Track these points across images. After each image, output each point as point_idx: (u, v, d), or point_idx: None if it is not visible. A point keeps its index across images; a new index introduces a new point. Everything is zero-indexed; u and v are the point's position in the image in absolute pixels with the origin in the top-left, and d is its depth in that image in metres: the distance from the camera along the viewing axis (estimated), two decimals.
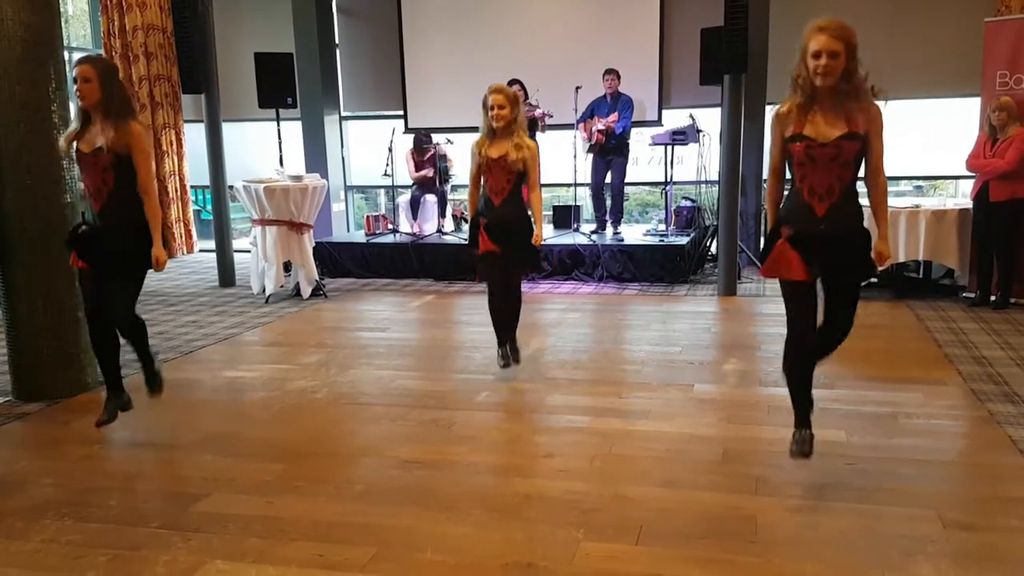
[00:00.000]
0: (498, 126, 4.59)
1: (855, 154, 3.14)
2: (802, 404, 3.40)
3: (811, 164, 3.14)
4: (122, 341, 4.08)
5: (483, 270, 4.94)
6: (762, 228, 8.91)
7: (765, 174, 9.06)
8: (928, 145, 8.68)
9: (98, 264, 3.96)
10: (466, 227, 9.28)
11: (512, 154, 4.58)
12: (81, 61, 3.86)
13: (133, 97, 3.96)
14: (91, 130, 3.88)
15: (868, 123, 3.12)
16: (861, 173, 3.25)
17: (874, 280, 3.30)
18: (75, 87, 3.82)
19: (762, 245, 3.42)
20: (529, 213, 4.84)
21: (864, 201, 3.30)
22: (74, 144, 3.92)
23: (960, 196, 8.69)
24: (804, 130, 3.14)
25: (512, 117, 4.59)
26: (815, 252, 3.20)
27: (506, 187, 4.68)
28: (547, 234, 7.97)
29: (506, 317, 4.97)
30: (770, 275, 3.31)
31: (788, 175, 3.35)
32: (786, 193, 3.37)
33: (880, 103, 3.15)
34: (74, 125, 3.95)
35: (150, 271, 4.03)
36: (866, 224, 3.29)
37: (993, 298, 6.74)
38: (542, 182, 5.68)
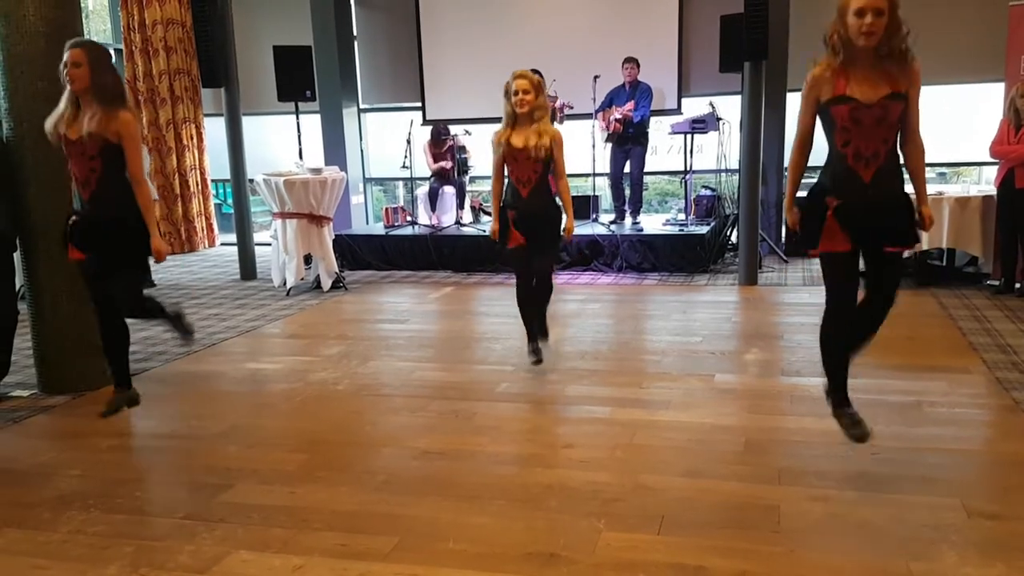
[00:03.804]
0: (521, 111, 4.54)
1: (900, 114, 3.06)
2: (841, 380, 3.31)
3: (856, 127, 3.04)
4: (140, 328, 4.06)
5: (515, 263, 4.90)
6: (783, 217, 8.84)
7: (786, 163, 8.97)
8: (950, 132, 8.57)
9: (94, 252, 3.91)
10: (485, 219, 9.24)
11: (533, 140, 4.54)
12: (72, 45, 3.78)
13: (126, 84, 3.88)
14: (80, 116, 3.81)
15: (910, 82, 3.03)
16: None
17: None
18: (64, 70, 3.74)
19: (800, 217, 3.25)
20: (558, 202, 4.80)
21: None
22: (60, 130, 3.82)
23: (984, 183, 8.58)
24: (848, 91, 3.02)
25: (536, 103, 4.54)
26: (861, 220, 3.10)
27: (533, 177, 4.63)
28: None
29: (537, 305, 4.95)
30: (815, 250, 3.18)
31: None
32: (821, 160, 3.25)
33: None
34: (62, 108, 3.85)
35: (157, 261, 3.97)
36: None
37: (1018, 285, 6.66)
38: None
